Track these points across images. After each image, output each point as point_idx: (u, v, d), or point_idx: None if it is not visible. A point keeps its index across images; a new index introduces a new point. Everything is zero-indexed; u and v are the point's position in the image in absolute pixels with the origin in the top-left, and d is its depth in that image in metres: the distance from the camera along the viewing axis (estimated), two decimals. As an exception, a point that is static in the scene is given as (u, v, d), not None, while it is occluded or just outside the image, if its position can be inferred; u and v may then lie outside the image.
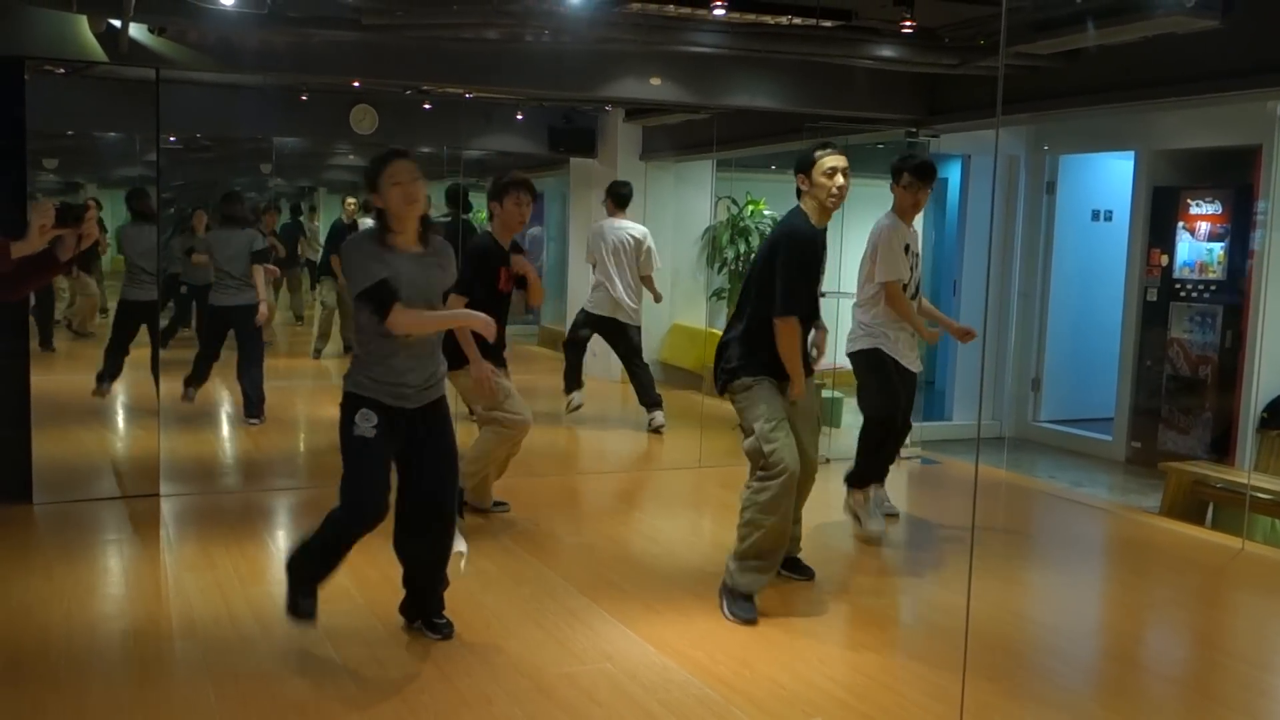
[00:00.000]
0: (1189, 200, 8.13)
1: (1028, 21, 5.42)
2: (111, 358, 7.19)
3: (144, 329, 6.91)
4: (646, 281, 7.91)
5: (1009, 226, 9.27)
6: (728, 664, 3.89)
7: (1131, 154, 8.57)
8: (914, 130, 7.37)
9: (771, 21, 5.46)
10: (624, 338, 7.87)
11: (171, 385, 7.02)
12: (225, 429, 8.05)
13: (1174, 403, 8.15)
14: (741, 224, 9.82)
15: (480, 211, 9.85)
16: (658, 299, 8.09)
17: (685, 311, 9.64)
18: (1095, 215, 9.41)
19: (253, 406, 7.59)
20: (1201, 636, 4.68)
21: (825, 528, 5.59)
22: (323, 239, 9.83)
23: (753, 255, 6.42)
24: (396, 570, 4.10)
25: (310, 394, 9.15)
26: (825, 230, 4.51)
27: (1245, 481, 6.13)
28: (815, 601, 4.63)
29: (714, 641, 4.10)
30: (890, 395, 5.43)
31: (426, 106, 8.04)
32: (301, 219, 10.00)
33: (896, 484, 6.01)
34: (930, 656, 4.07)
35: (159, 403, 6.26)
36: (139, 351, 6.86)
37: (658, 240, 8.11)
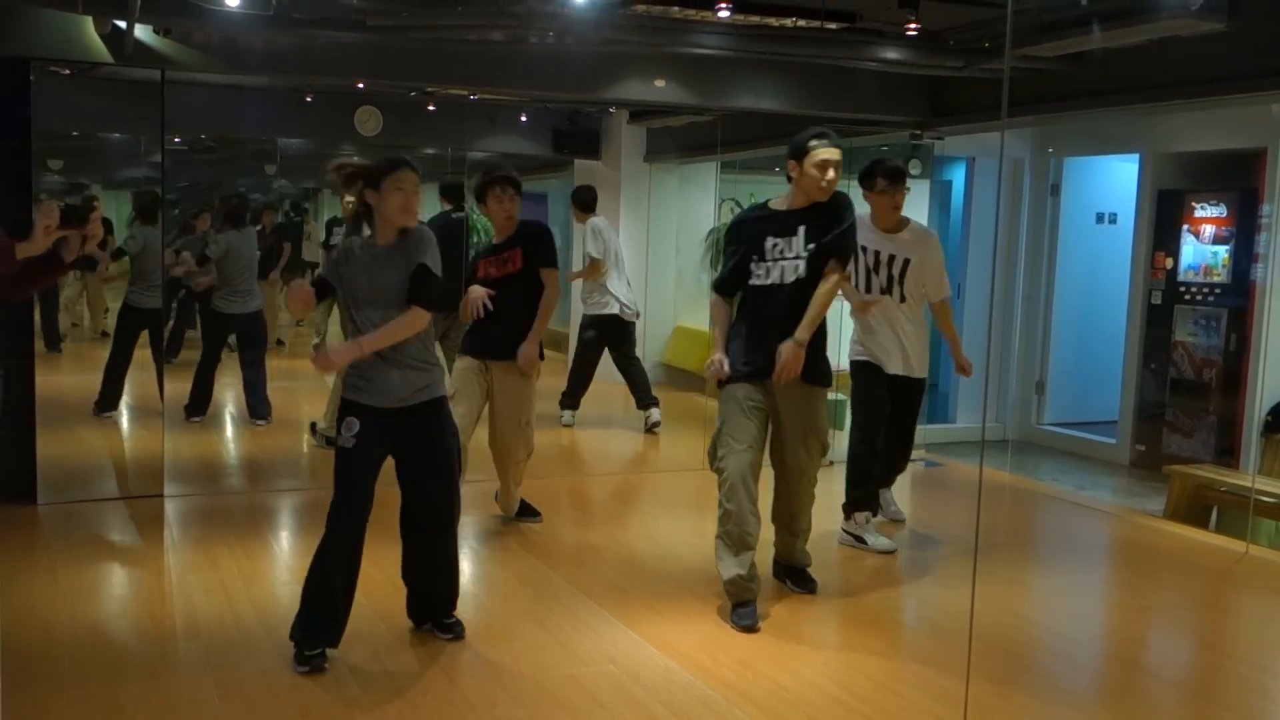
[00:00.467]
0: (1194, 203, 8.12)
1: (1033, 24, 5.41)
2: (112, 375, 6.96)
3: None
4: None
5: (1013, 229, 9.26)
6: (730, 666, 3.89)
7: (1136, 157, 8.56)
8: (918, 133, 7.37)
9: (776, 24, 5.45)
10: (625, 337, 7.88)
11: (174, 386, 7.00)
12: (229, 430, 8.06)
13: (1178, 406, 8.14)
14: (745, 226, 9.80)
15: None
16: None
17: (688, 313, 9.63)
18: (1100, 218, 9.40)
19: (258, 408, 7.58)
20: (1205, 640, 4.67)
21: (828, 529, 5.58)
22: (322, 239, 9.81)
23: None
24: (399, 571, 4.11)
25: (315, 395, 9.14)
26: (799, 210, 4.39)
27: (1249, 485, 6.11)
28: (818, 604, 4.62)
29: (717, 643, 4.10)
30: (872, 417, 5.39)
31: (431, 108, 8.05)
32: (297, 218, 9.95)
33: (900, 485, 6.01)
34: (934, 659, 4.07)
35: (163, 403, 6.26)
36: (142, 352, 6.85)
37: (661, 242, 8.11)
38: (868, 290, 5.37)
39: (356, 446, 3.76)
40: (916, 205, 5.68)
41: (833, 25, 5.55)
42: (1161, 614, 4.96)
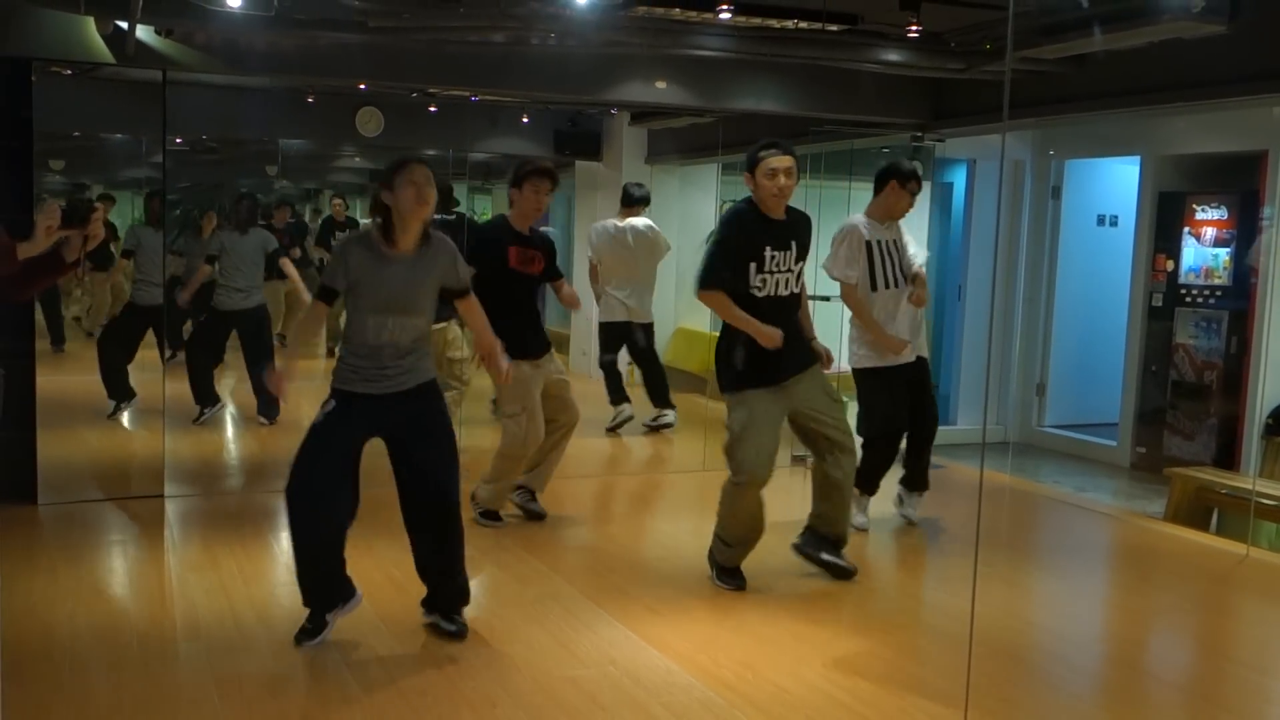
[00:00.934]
0: (1195, 205, 8.12)
1: (1034, 26, 5.42)
2: (114, 375, 6.94)
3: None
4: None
5: (1014, 231, 9.26)
6: (731, 667, 3.89)
7: (1137, 159, 8.55)
8: (919, 134, 7.37)
9: (777, 25, 5.46)
10: (628, 339, 7.88)
11: (175, 386, 7.00)
12: (230, 430, 8.06)
13: (1179, 408, 8.14)
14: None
15: (485, 212, 9.87)
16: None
17: (689, 315, 9.62)
18: (1101, 220, 9.40)
19: (265, 406, 7.57)
20: (1206, 642, 4.68)
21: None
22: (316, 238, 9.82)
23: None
24: (401, 572, 4.11)
25: (319, 394, 9.13)
26: (790, 222, 4.58)
27: (1250, 487, 6.11)
28: (819, 605, 4.62)
29: (717, 645, 4.10)
30: (889, 418, 5.49)
31: (432, 109, 8.05)
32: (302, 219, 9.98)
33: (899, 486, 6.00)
34: (935, 661, 4.07)
35: (164, 403, 6.27)
36: (144, 353, 6.84)
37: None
38: (885, 284, 5.41)
39: (327, 421, 3.87)
40: (917, 207, 5.70)
41: (834, 27, 5.55)
42: (1162, 616, 4.96)
